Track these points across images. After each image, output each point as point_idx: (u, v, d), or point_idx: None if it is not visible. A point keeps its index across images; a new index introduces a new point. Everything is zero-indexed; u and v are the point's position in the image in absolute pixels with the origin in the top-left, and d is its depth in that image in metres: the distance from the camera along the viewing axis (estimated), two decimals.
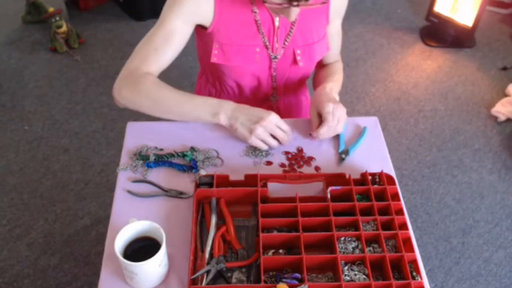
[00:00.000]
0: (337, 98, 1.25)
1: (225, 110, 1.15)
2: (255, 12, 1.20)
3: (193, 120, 1.20)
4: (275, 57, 1.27)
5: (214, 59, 1.24)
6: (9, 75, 2.67)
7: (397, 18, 3.23)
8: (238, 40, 1.22)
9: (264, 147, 1.16)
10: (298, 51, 1.27)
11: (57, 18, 2.73)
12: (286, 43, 1.26)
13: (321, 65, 1.43)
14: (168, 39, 1.18)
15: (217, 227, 1.01)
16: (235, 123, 1.14)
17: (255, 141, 1.15)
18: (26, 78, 2.65)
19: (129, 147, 1.20)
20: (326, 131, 1.18)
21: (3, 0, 3.18)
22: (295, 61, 1.28)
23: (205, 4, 1.17)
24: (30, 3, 2.93)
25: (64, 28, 2.76)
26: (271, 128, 1.14)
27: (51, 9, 2.80)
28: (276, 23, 1.23)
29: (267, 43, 1.24)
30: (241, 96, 1.38)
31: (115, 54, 2.82)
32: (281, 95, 1.41)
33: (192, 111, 1.16)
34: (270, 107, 1.43)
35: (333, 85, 1.30)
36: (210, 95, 1.43)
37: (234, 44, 1.22)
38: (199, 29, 1.25)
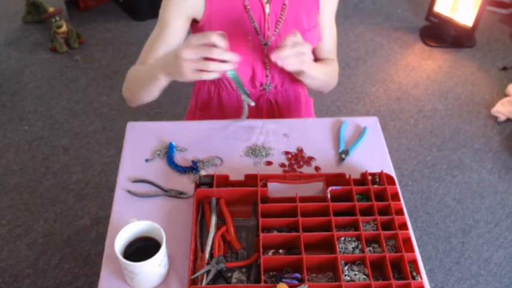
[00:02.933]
0: (306, 67, 1.18)
1: (158, 65, 1.09)
2: None
3: (148, 88, 1.16)
4: (266, 44, 1.27)
5: None
6: (9, 75, 2.67)
7: (397, 18, 3.23)
8: (230, 29, 1.23)
9: (210, 75, 1.00)
10: None
11: (57, 18, 2.73)
12: (277, 30, 1.26)
13: (315, 59, 1.43)
14: (162, 34, 1.22)
15: (217, 227, 1.01)
16: (168, 69, 1.05)
17: (191, 75, 0.99)
18: (26, 78, 2.65)
19: (129, 147, 1.20)
20: (282, 53, 1.07)
21: (3, 0, 3.18)
22: None
23: None
24: (30, 3, 2.93)
25: (64, 28, 2.76)
26: (195, 51, 0.98)
27: (51, 9, 2.80)
28: (267, 10, 1.23)
29: (258, 29, 1.25)
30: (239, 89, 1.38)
31: (115, 54, 2.82)
32: (277, 85, 1.40)
33: (143, 79, 1.16)
34: (269, 101, 1.43)
35: (317, 63, 1.29)
36: (209, 90, 1.43)
37: (226, 34, 1.23)
38: (194, 23, 1.26)
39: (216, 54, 0.98)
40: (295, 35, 1.10)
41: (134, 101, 1.27)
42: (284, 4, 1.24)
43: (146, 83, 1.15)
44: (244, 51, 1.26)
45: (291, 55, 1.08)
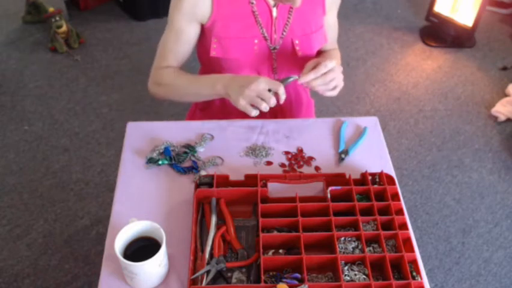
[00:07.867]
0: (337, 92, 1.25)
1: (221, 81, 1.17)
2: (252, 3, 1.21)
3: (203, 98, 1.30)
4: (274, 48, 1.27)
5: (213, 53, 1.25)
6: (9, 75, 2.67)
7: (397, 18, 3.23)
8: (236, 33, 1.23)
9: (252, 112, 1.11)
10: (297, 42, 1.28)
11: (57, 18, 2.73)
12: (284, 33, 1.26)
13: (319, 52, 1.43)
14: (179, 39, 1.26)
15: (217, 227, 1.01)
16: (229, 90, 1.14)
17: (243, 105, 1.11)
18: (26, 78, 2.65)
19: (129, 147, 1.20)
20: (312, 78, 1.14)
21: (3, 0, 3.17)
22: (294, 52, 1.29)
23: (202, 1, 1.18)
24: (30, 3, 2.93)
25: (64, 28, 2.76)
26: (259, 91, 1.10)
27: (51, 9, 2.80)
28: (274, 14, 1.23)
29: (265, 34, 1.25)
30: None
31: (115, 54, 2.82)
32: None
33: (198, 89, 1.24)
34: None
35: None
36: None
37: (232, 37, 1.23)
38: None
39: (271, 103, 1.10)
40: (330, 61, 1.15)
41: (166, 99, 1.35)
42: (291, 7, 1.24)
43: (201, 94, 1.25)
44: (250, 55, 1.26)
45: (320, 82, 1.15)
